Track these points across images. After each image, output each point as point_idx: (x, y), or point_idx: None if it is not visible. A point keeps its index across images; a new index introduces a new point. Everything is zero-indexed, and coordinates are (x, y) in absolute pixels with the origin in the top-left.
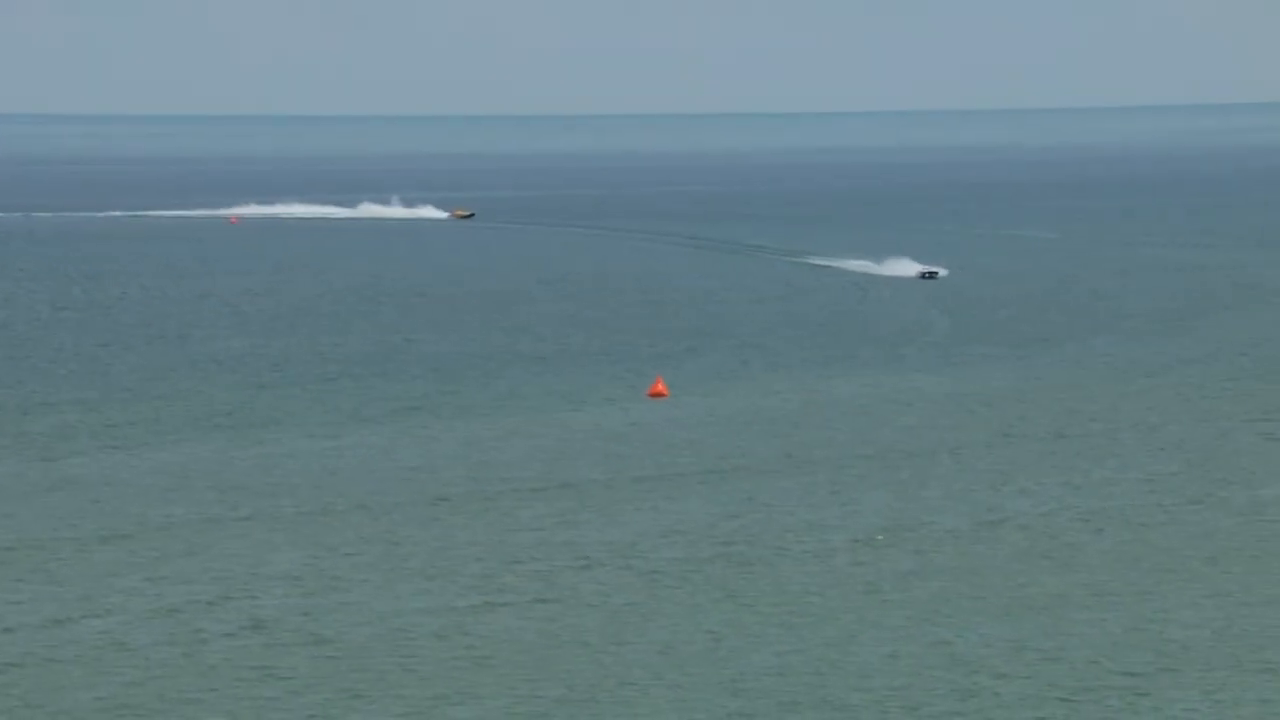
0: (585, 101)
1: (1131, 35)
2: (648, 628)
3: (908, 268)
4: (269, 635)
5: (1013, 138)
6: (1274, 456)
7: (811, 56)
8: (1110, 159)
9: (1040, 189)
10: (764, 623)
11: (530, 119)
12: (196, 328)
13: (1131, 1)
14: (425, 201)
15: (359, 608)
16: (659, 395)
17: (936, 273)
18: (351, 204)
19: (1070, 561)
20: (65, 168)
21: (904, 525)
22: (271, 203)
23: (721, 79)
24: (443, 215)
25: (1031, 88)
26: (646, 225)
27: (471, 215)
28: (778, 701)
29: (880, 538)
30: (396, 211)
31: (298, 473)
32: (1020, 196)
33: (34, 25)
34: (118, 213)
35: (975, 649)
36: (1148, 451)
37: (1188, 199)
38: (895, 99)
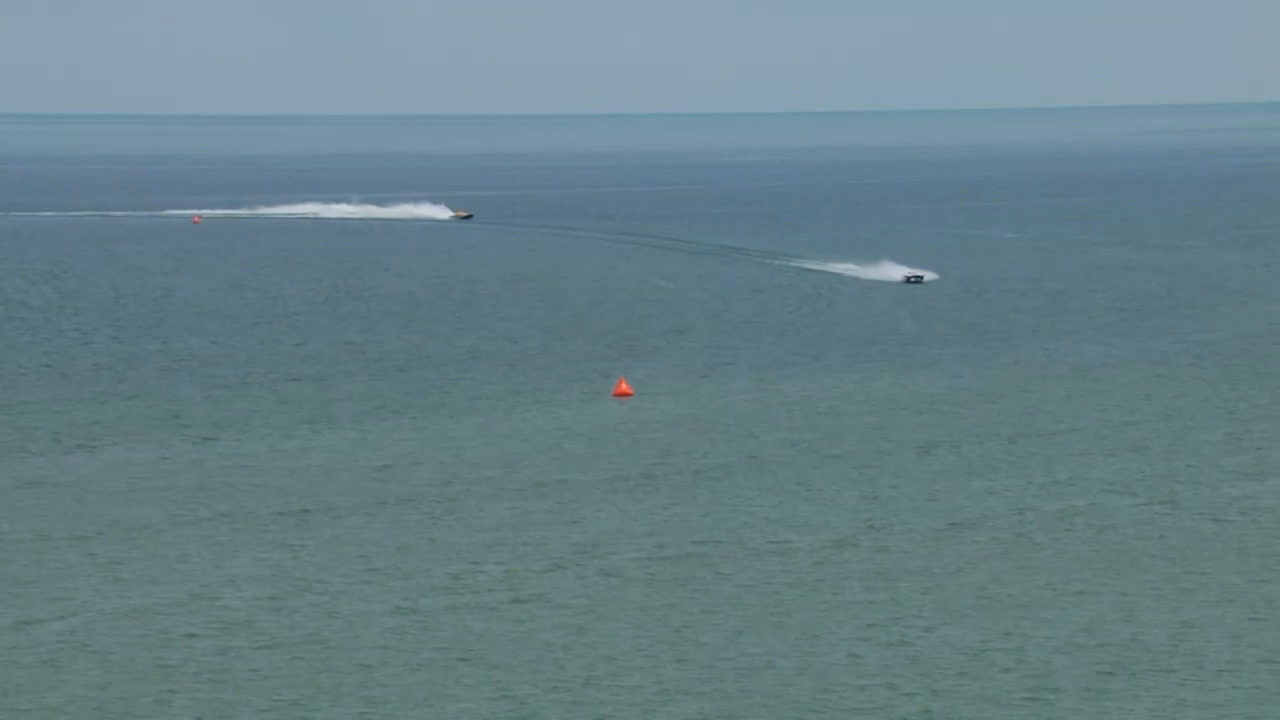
0: (542, 102)
1: (1105, 35)
2: (613, 629)
3: (894, 272)
4: (235, 637)
5: (979, 137)
6: (1238, 456)
7: (776, 56)
8: (1078, 158)
9: (1005, 188)
10: (729, 624)
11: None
12: (160, 327)
13: (1107, 1)
14: (415, 199)
15: (325, 609)
16: (623, 395)
17: (922, 277)
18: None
19: (1035, 562)
20: (28, 166)
21: (870, 526)
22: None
23: (681, 79)
24: (445, 215)
25: (999, 87)
26: (627, 226)
27: (470, 216)
28: (744, 703)
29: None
30: (397, 211)
31: (262, 473)
32: (985, 196)
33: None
34: (80, 212)
35: (940, 650)
36: (1113, 452)
37: (1154, 198)
38: (860, 99)
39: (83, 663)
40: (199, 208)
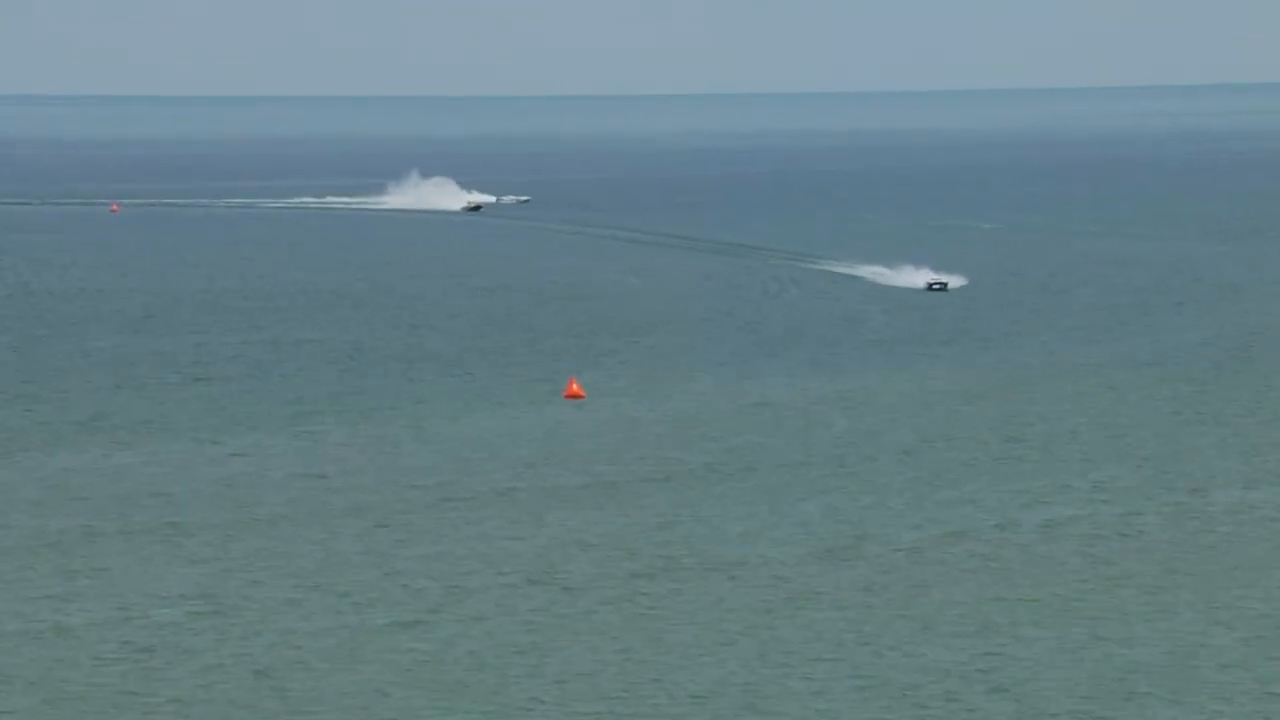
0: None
1: (1083, 14)
2: (566, 650)
3: (917, 277)
4: (160, 659)
5: (958, 121)
6: (1228, 461)
7: (734, 38)
8: (1058, 143)
9: (985, 175)
10: (691, 645)
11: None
12: (73, 324)
13: None
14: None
15: (257, 629)
16: (575, 398)
17: (946, 284)
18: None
19: (1018, 577)
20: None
21: (843, 538)
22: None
23: (645, 61)
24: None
25: (973, 69)
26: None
27: (480, 208)
28: None
29: None
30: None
31: (188, 481)
32: (962, 184)
33: None
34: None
35: (919, 671)
36: (1096, 458)
37: (1138, 186)
38: (828, 81)
39: None
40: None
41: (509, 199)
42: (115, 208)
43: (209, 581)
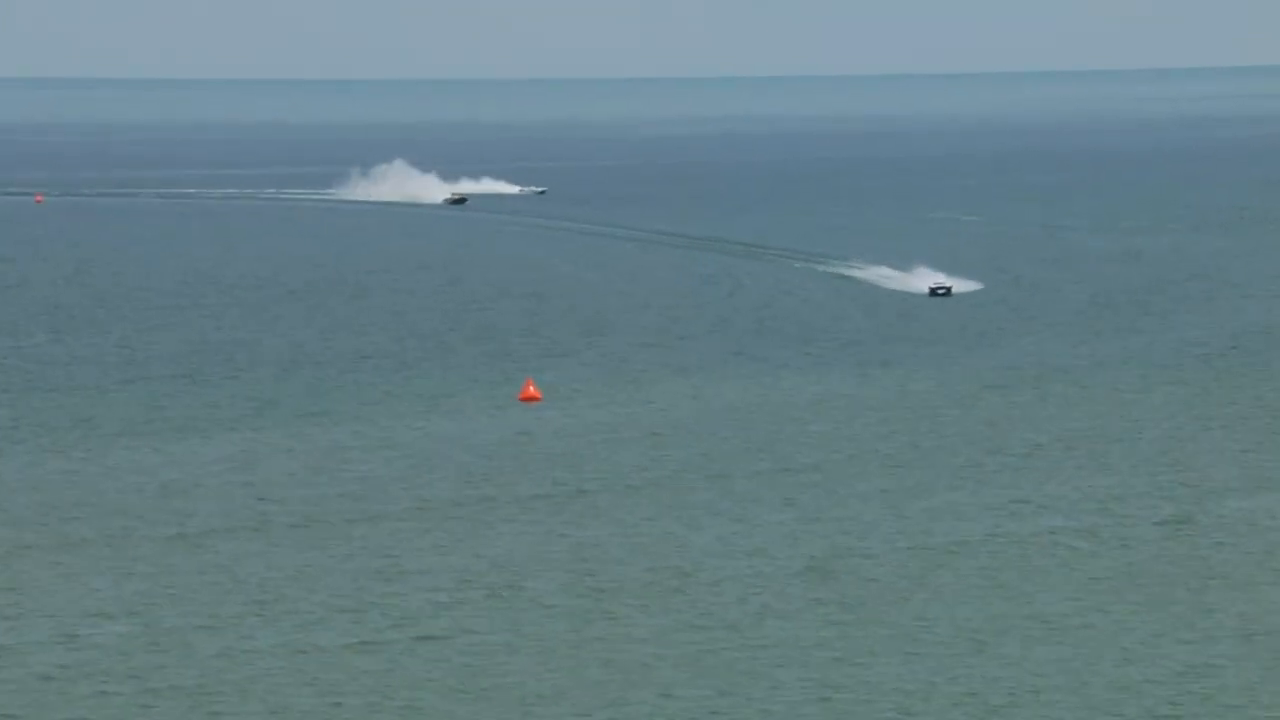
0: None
1: None
2: (518, 669)
3: (928, 279)
4: (92, 682)
5: (931, 106)
6: (1231, 468)
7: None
8: (1047, 130)
9: (963, 164)
10: (650, 665)
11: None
12: None
13: None
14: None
15: (194, 648)
16: (531, 400)
17: (950, 288)
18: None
19: (1007, 592)
20: None
21: (816, 551)
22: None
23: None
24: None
25: (959, 52)
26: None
27: (464, 200)
28: None
29: None
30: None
31: (118, 491)
32: (940, 173)
33: None
34: None
35: (902, 693)
36: (1090, 465)
37: (1134, 176)
38: (809, 64)
39: None
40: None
41: (526, 189)
42: (39, 198)
43: (144, 598)
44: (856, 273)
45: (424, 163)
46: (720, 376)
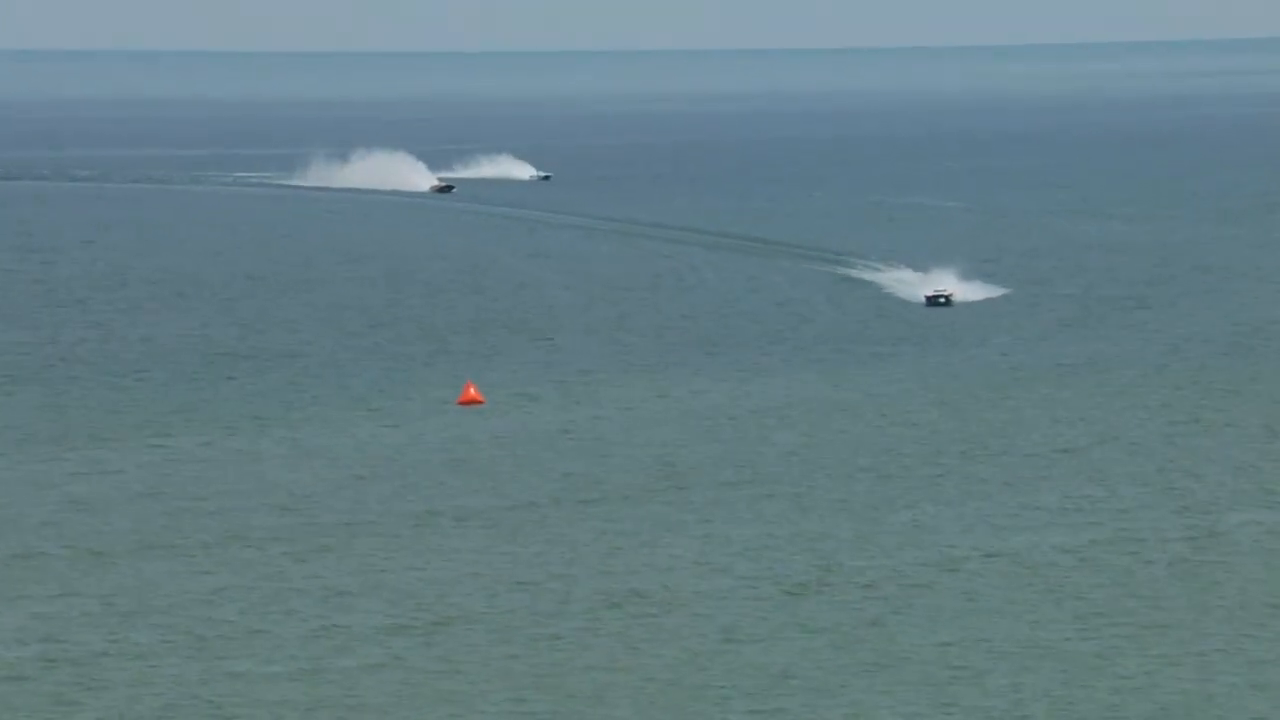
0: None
1: None
2: (458, 697)
3: (943, 283)
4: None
5: (895, 82)
6: (1234, 477)
7: None
8: (1026, 109)
9: (940, 145)
10: (599, 694)
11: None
12: None
13: None
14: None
15: (105, 676)
16: (472, 403)
17: (950, 296)
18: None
19: (990, 614)
20: None
21: (786, 569)
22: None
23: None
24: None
25: (921, 24)
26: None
27: (451, 188)
28: None
29: None
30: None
31: (21, 505)
32: (915, 156)
33: None
34: None
35: None
36: (1083, 474)
37: (1123, 158)
38: (779, 38)
39: None
40: None
41: (529, 174)
42: None
43: (45, 623)
44: (859, 273)
45: (408, 145)
46: (679, 379)
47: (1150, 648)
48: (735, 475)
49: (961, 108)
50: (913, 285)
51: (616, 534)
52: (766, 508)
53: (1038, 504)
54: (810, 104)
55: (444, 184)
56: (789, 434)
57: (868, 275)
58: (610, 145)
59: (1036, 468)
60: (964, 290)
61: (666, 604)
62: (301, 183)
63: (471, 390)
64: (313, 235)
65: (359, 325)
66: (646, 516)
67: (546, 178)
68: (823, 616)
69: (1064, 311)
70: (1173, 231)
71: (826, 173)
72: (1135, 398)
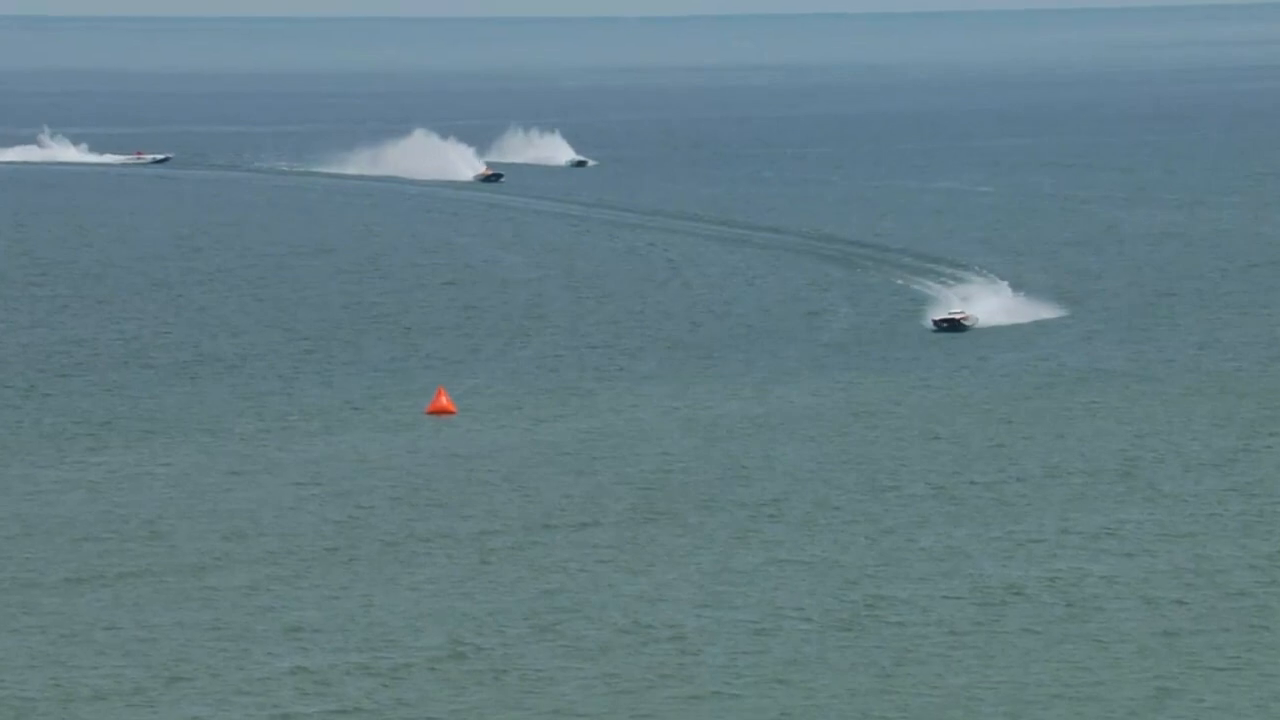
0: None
1: None
2: None
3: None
4: None
5: (925, 52)
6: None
7: None
8: (1062, 81)
9: (967, 121)
10: None
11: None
12: None
13: None
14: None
15: (22, 716)
16: (442, 413)
17: (962, 320)
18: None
19: (1030, 655)
20: None
21: (785, 600)
22: None
23: None
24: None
25: None
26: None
27: (499, 177)
28: None
29: None
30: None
31: None
32: (940, 133)
33: None
34: None
35: None
36: (1120, 493)
37: (1172, 136)
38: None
39: None
40: None
41: (566, 160)
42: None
43: None
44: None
45: (449, 128)
46: (670, 388)
47: (1211, 690)
48: (730, 494)
49: (990, 80)
50: (929, 292)
51: (598, 561)
52: (764, 530)
53: (1082, 528)
54: (832, 77)
55: (492, 172)
56: (800, 448)
57: (878, 278)
58: (636, 121)
59: (1081, 487)
60: (986, 308)
61: (659, 640)
62: (328, 170)
63: (443, 398)
64: (274, 226)
65: (318, 326)
66: (633, 541)
67: (581, 163)
68: (840, 656)
69: (1111, 311)
70: (1225, 218)
71: (846, 154)
72: (1192, 407)
